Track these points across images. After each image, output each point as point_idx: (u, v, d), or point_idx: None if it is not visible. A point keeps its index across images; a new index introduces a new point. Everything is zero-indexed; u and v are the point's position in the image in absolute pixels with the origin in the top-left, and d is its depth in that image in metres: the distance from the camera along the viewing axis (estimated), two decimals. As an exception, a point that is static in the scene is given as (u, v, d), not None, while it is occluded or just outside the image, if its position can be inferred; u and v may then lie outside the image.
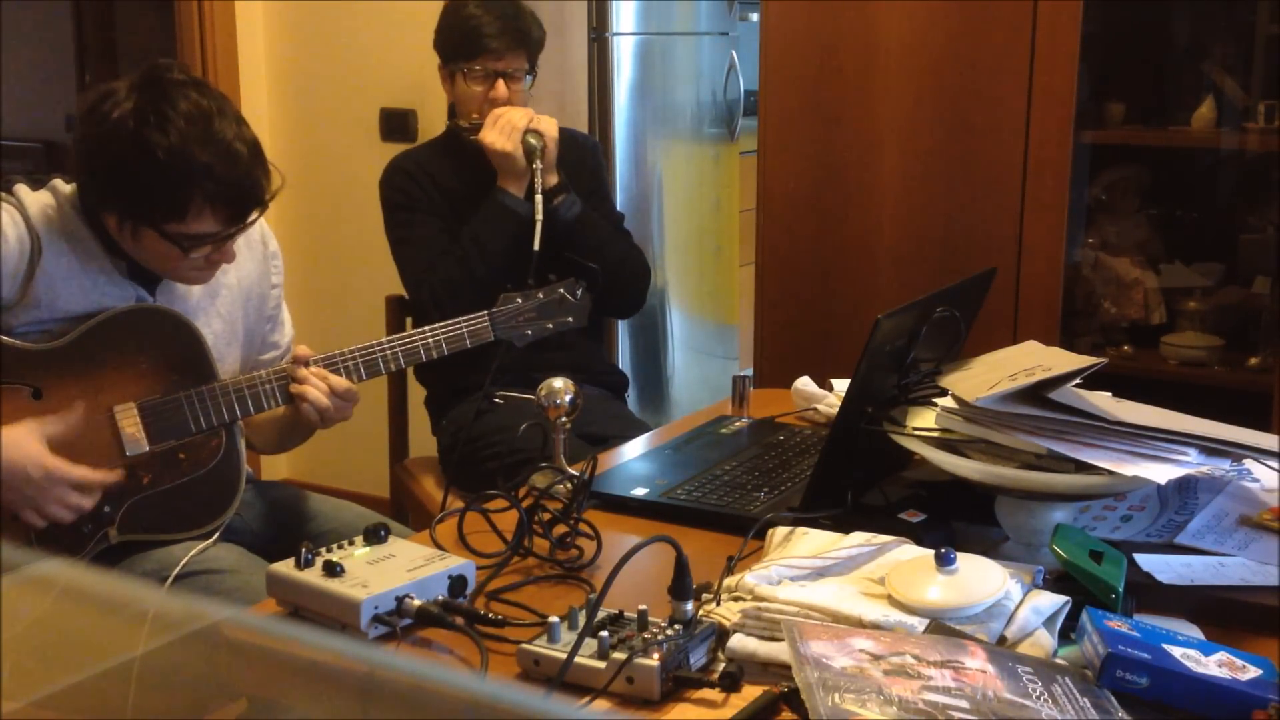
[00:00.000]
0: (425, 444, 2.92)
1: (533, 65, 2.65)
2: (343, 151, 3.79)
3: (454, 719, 0.75)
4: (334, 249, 3.83)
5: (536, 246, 2.41)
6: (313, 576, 1.36)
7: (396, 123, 3.67)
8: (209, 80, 3.66)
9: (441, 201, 2.64)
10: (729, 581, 1.35)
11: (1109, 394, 1.63)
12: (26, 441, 1.75)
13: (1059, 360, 1.55)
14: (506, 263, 2.50)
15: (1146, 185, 2.88)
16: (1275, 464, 1.48)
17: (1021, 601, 1.29)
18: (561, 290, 2.16)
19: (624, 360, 3.72)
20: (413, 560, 1.40)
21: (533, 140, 2.52)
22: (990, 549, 1.48)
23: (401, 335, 2.04)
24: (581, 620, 1.27)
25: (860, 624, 1.25)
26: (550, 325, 2.15)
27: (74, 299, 1.84)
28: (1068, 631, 1.28)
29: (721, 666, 1.24)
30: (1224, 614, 1.36)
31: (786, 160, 2.80)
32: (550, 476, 1.70)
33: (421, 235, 2.61)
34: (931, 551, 1.32)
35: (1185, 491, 1.60)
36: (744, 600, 1.30)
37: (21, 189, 1.86)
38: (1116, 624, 1.21)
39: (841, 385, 2.08)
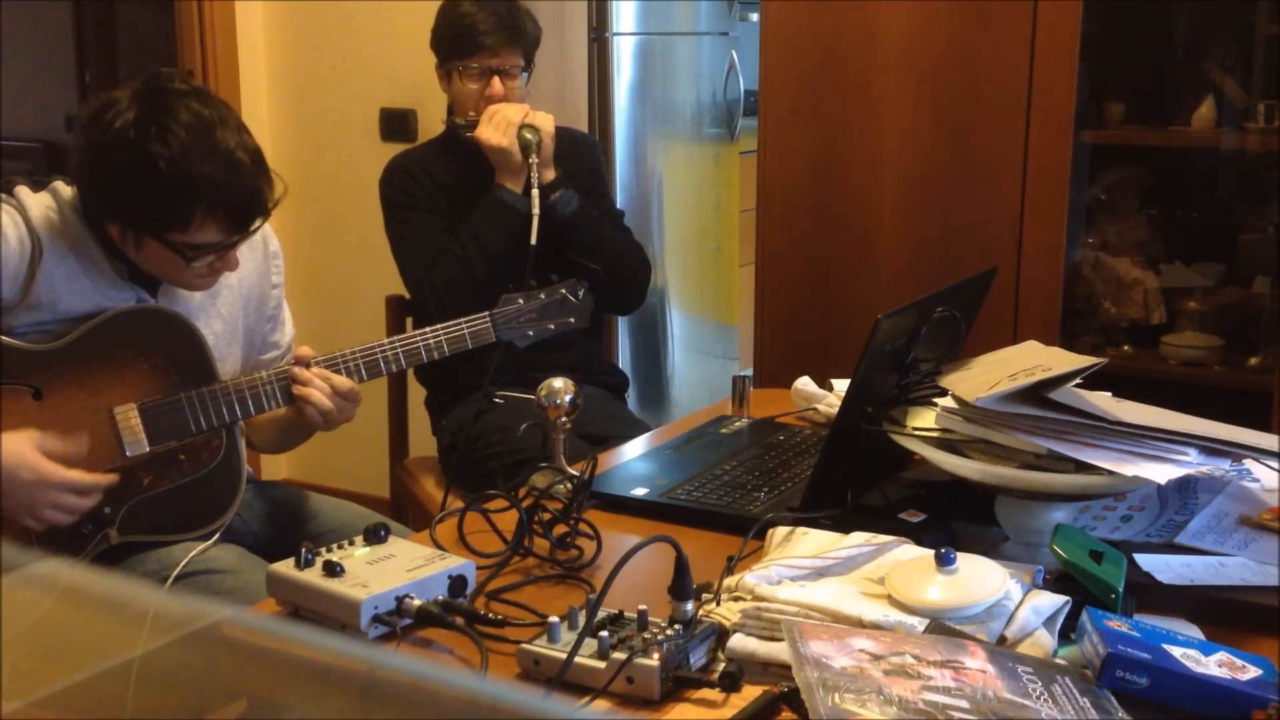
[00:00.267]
0: (425, 444, 2.92)
1: (529, 62, 2.66)
2: (343, 151, 3.79)
3: (454, 719, 0.75)
4: (334, 249, 3.83)
5: (534, 241, 2.42)
6: (313, 576, 1.36)
7: (396, 123, 3.67)
8: (209, 80, 3.68)
9: (441, 200, 2.64)
10: (729, 581, 1.35)
11: (1109, 394, 1.63)
12: (19, 446, 1.74)
13: (1059, 360, 1.55)
14: (506, 259, 2.50)
15: (1146, 185, 2.88)
16: (1275, 464, 1.48)
17: (1021, 601, 1.29)
18: (563, 291, 2.16)
19: (624, 360, 3.72)
20: (413, 560, 1.40)
21: (529, 135, 2.52)
22: (990, 549, 1.48)
23: (402, 336, 2.04)
24: (581, 620, 1.27)
25: (860, 624, 1.25)
26: (552, 326, 2.15)
27: (75, 301, 1.84)
28: (1068, 631, 1.28)
29: (721, 666, 1.24)
30: (1224, 614, 1.36)
31: (786, 160, 2.80)
32: (550, 476, 1.70)
33: (421, 234, 2.62)
34: (931, 551, 1.32)
35: (1185, 491, 1.60)
36: (744, 600, 1.30)
37: (22, 190, 1.86)
38: (1116, 624, 1.21)
39: (841, 385, 2.08)
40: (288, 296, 2.15)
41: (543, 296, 2.14)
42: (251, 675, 0.92)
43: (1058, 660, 1.23)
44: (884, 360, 1.61)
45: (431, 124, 3.52)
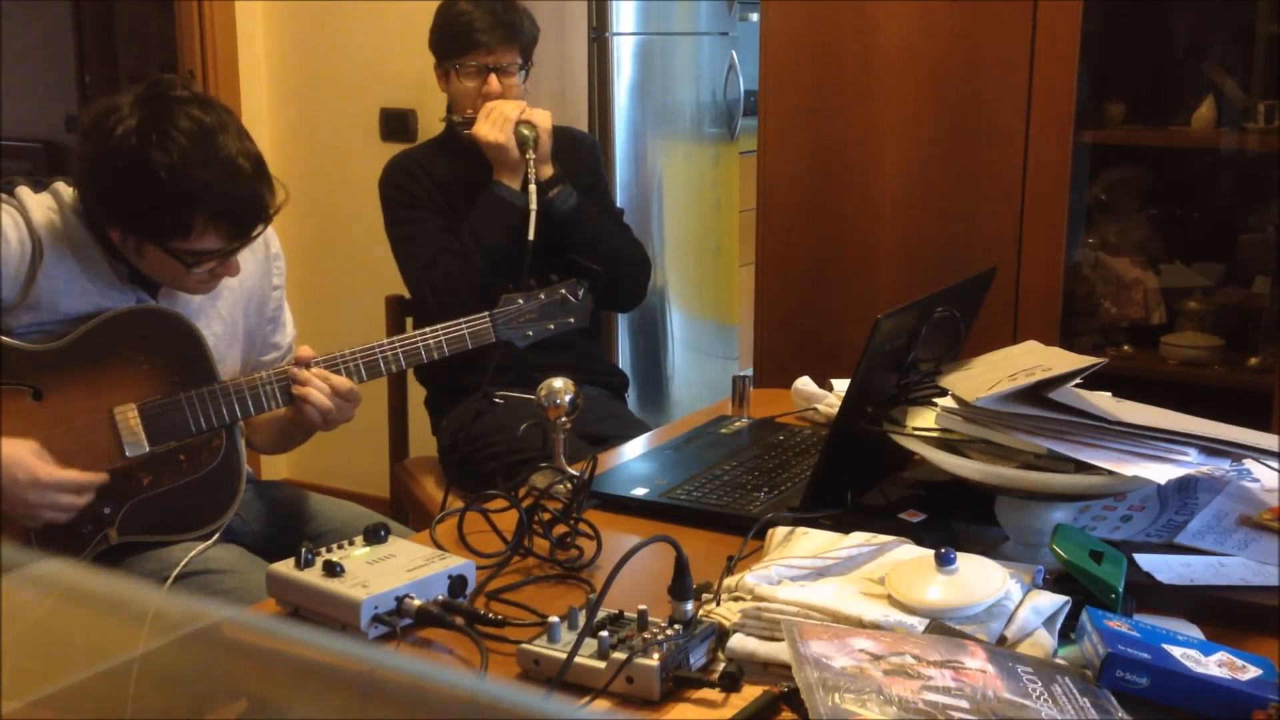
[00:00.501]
0: (425, 444, 2.92)
1: (526, 60, 2.66)
2: (343, 151, 3.79)
3: (454, 719, 0.75)
4: (334, 249, 3.83)
5: (531, 236, 2.43)
6: (313, 576, 1.36)
7: (396, 123, 3.67)
8: (209, 80, 3.68)
9: (441, 199, 2.64)
10: (729, 581, 1.35)
11: (1109, 394, 1.63)
12: (13, 448, 1.74)
13: (1059, 360, 1.55)
14: (505, 255, 2.50)
15: (1146, 185, 2.88)
16: (1275, 464, 1.48)
17: (1021, 601, 1.29)
18: (563, 291, 2.16)
19: (624, 360, 3.72)
20: (413, 560, 1.40)
21: (526, 131, 2.53)
22: (990, 549, 1.48)
23: (402, 336, 2.04)
24: (581, 620, 1.27)
25: (860, 624, 1.25)
26: (551, 326, 2.15)
27: (75, 302, 1.84)
28: (1068, 631, 1.28)
29: (721, 666, 1.24)
30: (1224, 614, 1.36)
31: (786, 160, 2.80)
32: (550, 476, 1.70)
33: (421, 232, 2.62)
34: (931, 551, 1.32)
35: (1185, 491, 1.60)
36: (744, 600, 1.30)
37: (23, 191, 1.86)
38: (1116, 624, 1.21)
39: (841, 385, 2.08)
40: (288, 296, 2.15)
41: (542, 296, 2.14)
42: (251, 675, 0.92)
43: (1058, 660, 1.23)
44: (884, 360, 1.61)
45: (432, 124, 3.52)
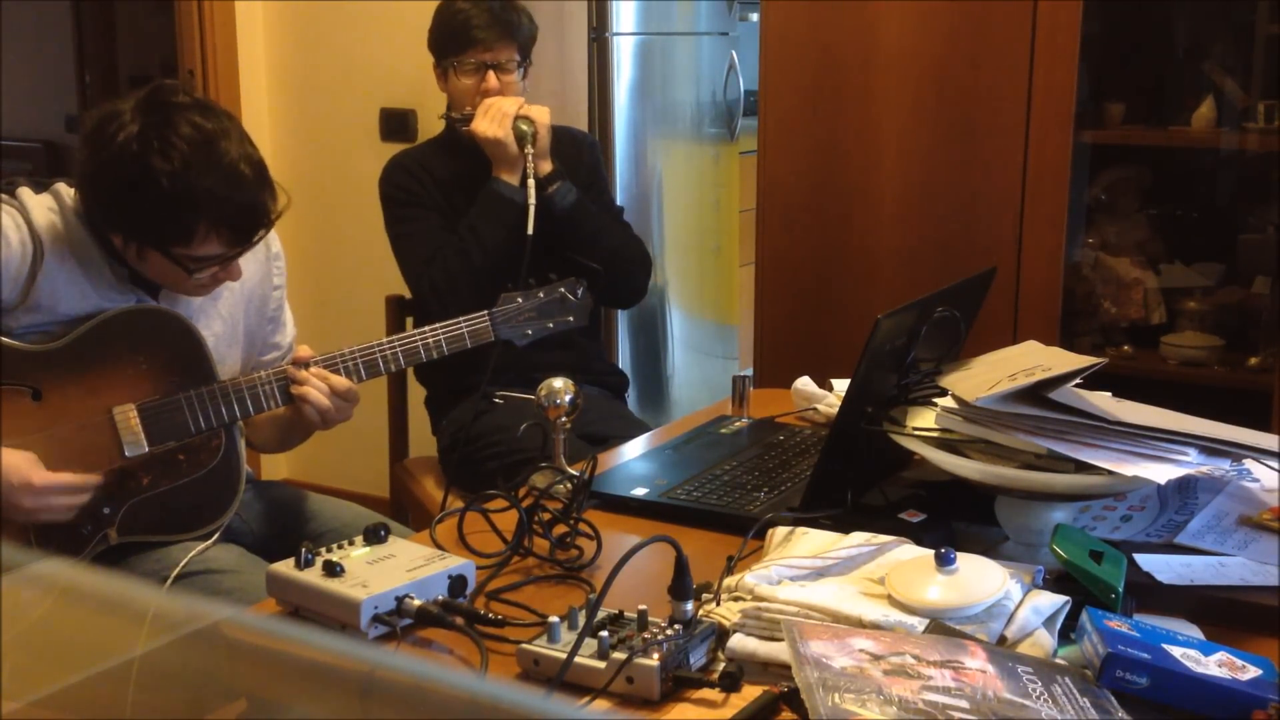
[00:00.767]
0: (425, 444, 2.92)
1: (524, 57, 2.67)
2: (343, 151, 3.79)
3: (454, 719, 0.75)
4: (334, 249, 3.83)
5: (530, 231, 2.44)
6: (313, 576, 1.36)
7: (396, 123, 3.67)
8: (209, 80, 3.67)
9: (440, 197, 2.65)
10: (729, 581, 1.35)
11: (1109, 394, 1.63)
12: (10, 454, 1.74)
13: (1059, 360, 1.55)
14: (504, 251, 2.51)
15: (1146, 185, 2.88)
16: (1275, 464, 1.48)
17: (1021, 601, 1.29)
18: (562, 290, 2.16)
19: (624, 360, 3.72)
20: (413, 560, 1.40)
21: (524, 127, 2.54)
22: (990, 549, 1.48)
23: (401, 335, 2.04)
24: (581, 620, 1.27)
25: (860, 624, 1.25)
26: (551, 325, 2.15)
27: (75, 303, 1.84)
28: (1068, 631, 1.28)
29: (721, 666, 1.24)
30: (1224, 614, 1.36)
31: (786, 160, 2.80)
32: (550, 476, 1.70)
33: (421, 230, 2.63)
34: (931, 551, 1.32)
35: (1185, 491, 1.60)
36: (744, 600, 1.30)
37: (24, 192, 1.86)
38: (1116, 624, 1.21)
39: (841, 385, 2.08)
40: (288, 296, 2.15)
41: (541, 295, 2.14)
42: (251, 675, 0.92)
43: (1058, 660, 1.23)
44: (884, 360, 1.61)
45: (431, 124, 3.51)
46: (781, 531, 1.50)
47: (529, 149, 2.53)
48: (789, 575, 1.35)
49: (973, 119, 2.59)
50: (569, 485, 1.65)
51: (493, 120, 2.55)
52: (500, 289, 2.14)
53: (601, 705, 1.19)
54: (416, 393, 2.88)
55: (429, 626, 1.34)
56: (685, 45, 4.03)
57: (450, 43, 2.65)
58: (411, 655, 1.31)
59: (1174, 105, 2.80)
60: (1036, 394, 1.47)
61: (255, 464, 2.35)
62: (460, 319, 2.07)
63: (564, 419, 1.74)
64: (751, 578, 1.33)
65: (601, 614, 1.27)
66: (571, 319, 2.17)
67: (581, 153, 2.78)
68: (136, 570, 1.86)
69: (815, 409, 2.11)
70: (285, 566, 1.39)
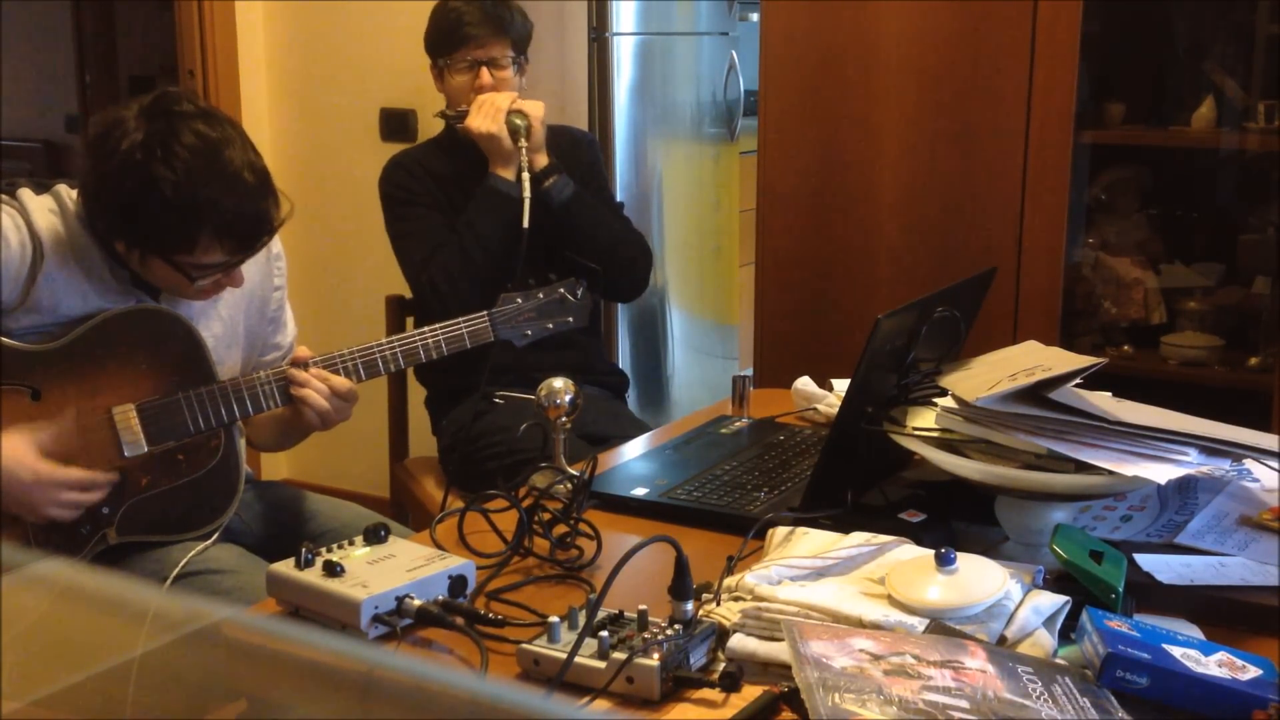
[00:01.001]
0: (425, 444, 2.92)
1: (519, 54, 2.68)
2: (343, 151, 3.79)
3: (454, 719, 0.75)
4: (334, 249, 3.83)
5: (526, 224, 2.45)
6: (313, 576, 1.36)
7: (396, 123, 3.68)
8: (209, 80, 3.67)
9: (440, 196, 2.66)
10: (729, 581, 1.35)
11: (1109, 394, 1.63)
12: (16, 446, 1.75)
13: (1059, 360, 1.55)
14: (502, 247, 2.51)
15: (1146, 185, 2.88)
16: (1275, 464, 1.48)
17: (1021, 601, 1.29)
18: (561, 290, 2.16)
19: (624, 360, 3.72)
20: (413, 560, 1.40)
21: (518, 121, 2.55)
22: (990, 549, 1.48)
23: (401, 336, 2.04)
24: (581, 620, 1.27)
25: (860, 624, 1.25)
26: (550, 325, 2.15)
27: (76, 305, 1.84)
28: (1068, 631, 1.28)
29: (721, 666, 1.24)
30: (1224, 614, 1.36)
31: (786, 160, 2.80)
32: (550, 476, 1.70)
33: (420, 228, 2.63)
34: (931, 551, 1.32)
35: (1185, 491, 1.60)
36: (744, 600, 1.30)
37: (25, 193, 1.86)
38: (1116, 624, 1.21)
39: (841, 385, 2.08)
40: (288, 296, 2.15)
41: (541, 296, 2.14)
42: (251, 675, 0.92)
43: (1058, 660, 1.23)
44: (884, 360, 1.61)
45: (431, 124, 3.52)
46: (781, 531, 1.50)
47: (523, 143, 2.54)
48: (789, 575, 1.35)
49: (973, 119, 2.59)
50: (569, 485, 1.65)
51: (486, 116, 2.56)
52: (500, 287, 2.14)
53: (601, 705, 1.19)
54: (416, 393, 2.88)
55: (429, 626, 1.34)
56: (685, 45, 4.03)
57: (444, 41, 2.67)
58: (411, 655, 1.31)
59: (1174, 105, 2.80)
60: (1036, 394, 1.47)
61: (255, 464, 2.35)
62: (460, 319, 2.07)
63: (564, 419, 1.74)
64: (751, 578, 1.33)
65: (601, 614, 1.27)
66: (571, 319, 2.17)
67: (580, 151, 2.79)
68: (136, 570, 1.86)
69: (815, 409, 2.11)
70: (285, 566, 1.39)
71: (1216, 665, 1.18)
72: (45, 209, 1.85)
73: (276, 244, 2.09)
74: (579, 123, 3.47)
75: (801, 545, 1.45)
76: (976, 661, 1.17)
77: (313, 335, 2.67)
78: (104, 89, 5.24)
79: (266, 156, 1.88)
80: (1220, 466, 1.45)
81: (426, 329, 2.05)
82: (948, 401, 1.54)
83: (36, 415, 1.80)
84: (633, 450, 2.04)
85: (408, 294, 2.76)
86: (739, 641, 1.26)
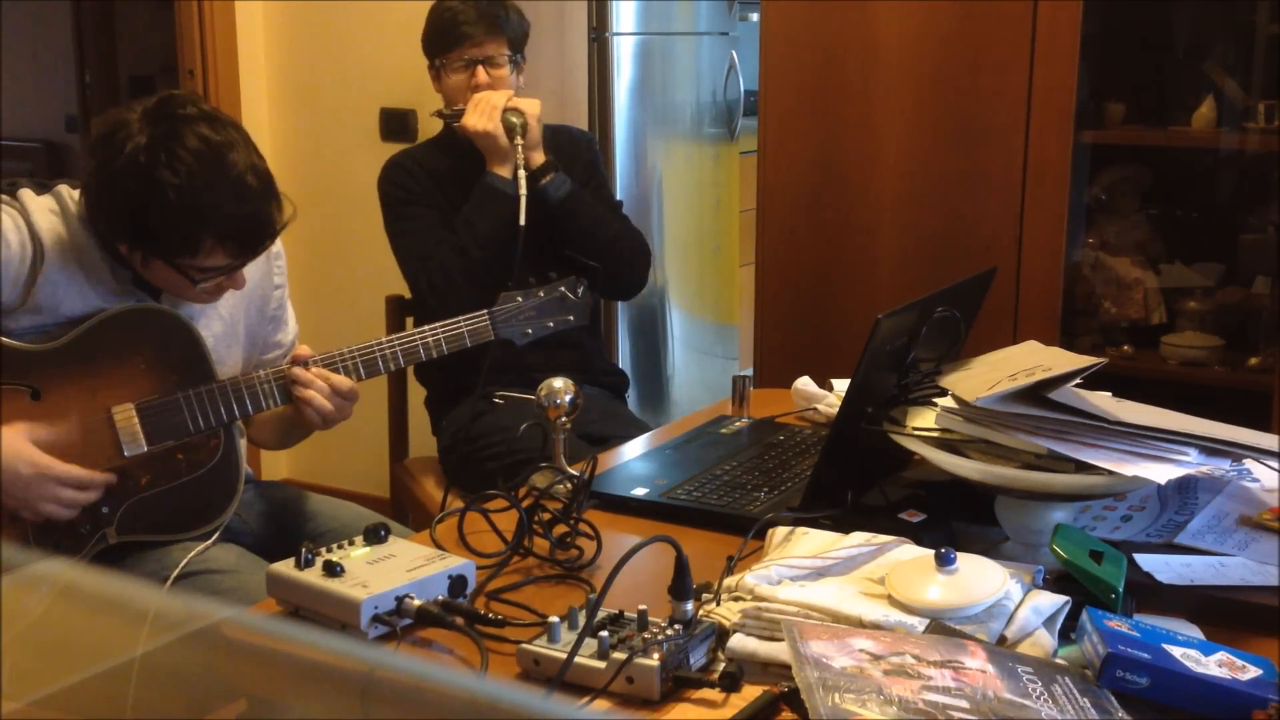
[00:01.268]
0: (425, 444, 2.92)
1: (516, 53, 2.68)
2: (343, 151, 3.79)
3: (454, 719, 0.75)
4: (334, 249, 3.83)
5: (522, 221, 2.46)
6: (313, 576, 1.36)
7: (396, 123, 3.68)
8: (209, 80, 3.67)
9: (438, 195, 2.66)
10: (729, 581, 1.35)
11: (1109, 394, 1.63)
12: (16, 442, 1.75)
13: (1059, 360, 1.55)
14: (500, 244, 2.52)
15: (1146, 185, 2.88)
16: (1275, 464, 1.48)
17: (1021, 601, 1.29)
18: (562, 289, 2.16)
19: (624, 360, 3.72)
20: (413, 560, 1.40)
21: (513, 119, 2.56)
22: (990, 549, 1.48)
23: (401, 335, 2.04)
24: (581, 620, 1.27)
25: (860, 624, 1.25)
26: (551, 324, 2.15)
27: (76, 305, 1.84)
28: (1068, 631, 1.28)
29: (721, 666, 1.24)
30: (1224, 614, 1.36)
31: (786, 160, 2.80)
32: (550, 476, 1.70)
33: (419, 227, 2.64)
34: (931, 551, 1.32)
35: (1185, 491, 1.60)
36: (744, 600, 1.30)
37: (26, 193, 1.86)
38: (1116, 624, 1.21)
39: (841, 385, 2.08)
40: (288, 296, 2.15)
41: (541, 295, 2.13)
42: (251, 675, 0.92)
43: (1058, 660, 1.23)
44: (884, 360, 1.61)
45: (431, 124, 3.52)
46: (781, 531, 1.50)
47: (519, 140, 2.55)
48: (789, 575, 1.35)
49: (973, 119, 2.59)
50: (569, 485, 1.65)
51: (482, 114, 2.57)
52: (499, 285, 2.14)
53: (601, 705, 1.19)
54: (416, 393, 2.87)
55: (429, 626, 1.34)
56: (685, 45, 4.03)
57: (440, 40, 2.68)
58: (411, 655, 1.31)
59: (1174, 105, 2.80)
60: (1036, 394, 1.47)
61: (255, 464, 2.35)
62: (460, 318, 2.07)
63: (564, 419, 1.74)
64: (751, 578, 1.33)
65: (601, 614, 1.27)
66: (571, 318, 2.17)
67: (579, 150, 2.79)
68: (136, 570, 1.86)
69: (815, 409, 2.11)
70: (285, 566, 1.39)
71: (1216, 665, 1.18)
72: (46, 209, 1.85)
73: (276, 243, 2.09)
74: (579, 123, 3.47)
75: (801, 545, 1.45)
76: (976, 661, 1.17)
77: (313, 334, 2.66)
78: (104, 89, 5.24)
79: (266, 156, 1.88)
80: (1220, 466, 1.45)
81: (427, 328, 2.05)
82: (948, 401, 1.54)
83: (36, 415, 1.80)
84: (633, 450, 2.04)
85: (408, 294, 2.77)
86: (739, 641, 1.26)
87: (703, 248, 4.19)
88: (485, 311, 2.09)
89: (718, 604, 1.33)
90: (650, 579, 1.40)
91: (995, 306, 2.50)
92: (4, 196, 1.84)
